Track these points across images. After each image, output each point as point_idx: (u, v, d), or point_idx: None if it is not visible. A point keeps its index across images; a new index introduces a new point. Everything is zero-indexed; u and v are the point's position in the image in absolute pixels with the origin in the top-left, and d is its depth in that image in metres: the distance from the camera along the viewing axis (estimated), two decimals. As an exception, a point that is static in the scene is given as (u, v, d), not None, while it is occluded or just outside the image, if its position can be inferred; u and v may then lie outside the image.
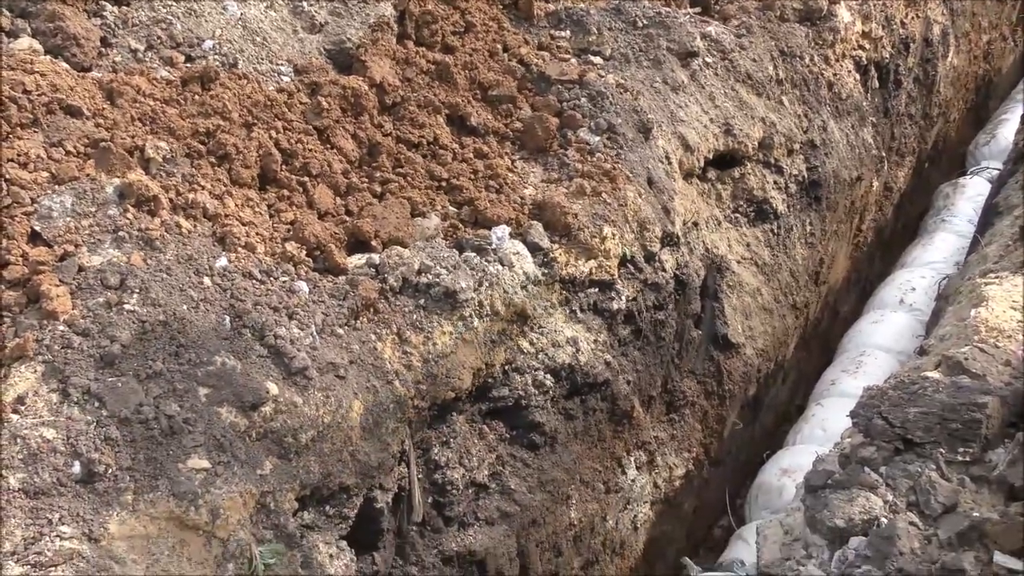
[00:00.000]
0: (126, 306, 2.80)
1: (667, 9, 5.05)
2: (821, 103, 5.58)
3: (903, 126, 6.81)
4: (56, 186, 2.96)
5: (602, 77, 4.53)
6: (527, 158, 4.18)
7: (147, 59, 3.56)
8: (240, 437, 2.73)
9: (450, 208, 3.78)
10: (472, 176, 3.92)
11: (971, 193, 7.38)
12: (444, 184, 3.85)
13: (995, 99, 8.98)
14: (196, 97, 3.49)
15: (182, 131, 3.34)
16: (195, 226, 3.12)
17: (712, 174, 4.97)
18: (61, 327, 2.68)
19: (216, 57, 3.69)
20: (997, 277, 4.03)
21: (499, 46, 4.46)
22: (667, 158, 4.54)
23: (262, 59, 3.83)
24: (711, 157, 4.89)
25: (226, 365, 2.80)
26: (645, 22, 4.88)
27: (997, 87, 9.05)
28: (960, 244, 6.85)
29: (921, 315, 6.19)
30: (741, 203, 5.08)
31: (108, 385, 2.62)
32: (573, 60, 4.61)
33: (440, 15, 4.37)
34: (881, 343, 6.07)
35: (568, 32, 4.73)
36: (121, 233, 2.95)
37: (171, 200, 3.12)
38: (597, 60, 4.67)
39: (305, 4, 4.06)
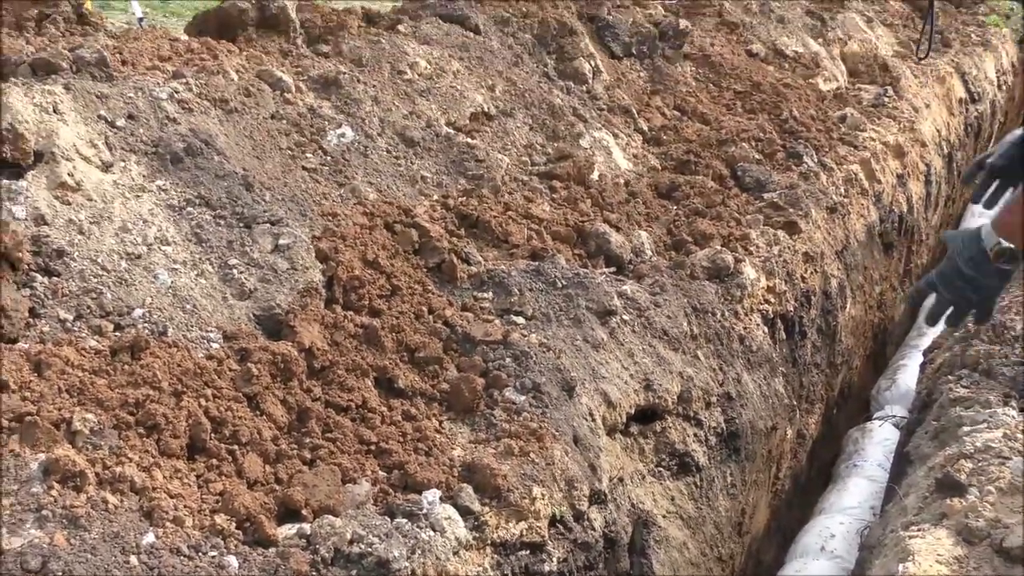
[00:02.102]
0: (47, 591, 2.67)
1: (585, 270, 5.25)
2: (734, 356, 5.77)
3: (811, 375, 7.04)
4: (-22, 464, 2.88)
5: (525, 337, 4.63)
6: (455, 419, 4.19)
7: (76, 329, 3.55)
8: None
9: (380, 472, 3.74)
10: (401, 439, 3.91)
11: (879, 438, 7.59)
12: (373, 448, 3.83)
13: (892, 345, 9.39)
14: (125, 367, 3.47)
15: (111, 402, 3.30)
16: (122, 501, 3.03)
17: (635, 429, 5.03)
18: (-24, 618, 2.54)
19: (146, 325, 3.70)
20: (920, 530, 4.09)
21: (425, 308, 4.56)
22: (591, 415, 4.61)
23: (192, 326, 3.85)
24: (633, 412, 4.97)
25: (152, 652, 2.66)
26: (564, 283, 5.06)
27: (892, 334, 9.48)
28: (873, 489, 6.97)
29: (843, 562, 6.21)
30: (664, 457, 5.14)
31: None
32: (497, 321, 4.72)
33: (367, 279, 4.47)
34: (806, 593, 6.05)
35: (491, 293, 4.87)
36: (44, 512, 2.85)
37: (97, 474, 3.04)
38: (520, 320, 4.79)
39: (235, 272, 4.13)
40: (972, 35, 12.34)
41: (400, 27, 6.56)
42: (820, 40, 9.84)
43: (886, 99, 9.38)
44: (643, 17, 8.31)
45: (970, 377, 5.06)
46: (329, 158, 5.08)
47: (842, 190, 7.71)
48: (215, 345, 3.82)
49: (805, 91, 8.77)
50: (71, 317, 3.58)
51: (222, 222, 4.26)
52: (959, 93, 10.93)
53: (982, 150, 12.11)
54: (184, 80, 4.66)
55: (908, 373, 8.16)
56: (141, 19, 14.71)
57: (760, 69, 8.78)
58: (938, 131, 10.03)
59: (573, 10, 7.76)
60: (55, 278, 3.64)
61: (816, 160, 7.68)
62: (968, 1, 13.75)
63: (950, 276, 3.42)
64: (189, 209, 4.21)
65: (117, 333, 3.62)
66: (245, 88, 4.98)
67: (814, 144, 7.86)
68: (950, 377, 5.13)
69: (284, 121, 5.05)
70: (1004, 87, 12.32)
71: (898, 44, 10.95)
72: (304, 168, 4.93)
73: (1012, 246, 3.27)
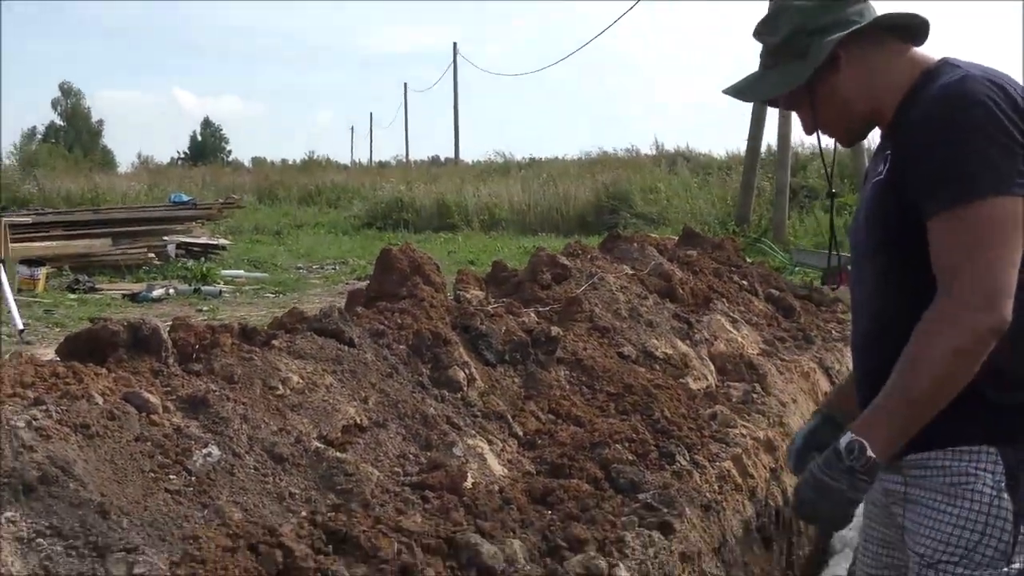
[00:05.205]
0: None
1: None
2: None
3: None
4: None
5: (392, 659, 4.51)
6: None
7: None
8: None
9: None
10: None
11: None
12: None
13: (782, 642, 9.31)
14: None
15: None
16: None
17: None
18: None
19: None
20: None
21: (286, 634, 4.43)
22: None
23: (31, 668, 3.66)
24: None
25: None
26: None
27: (782, 630, 9.41)
28: None
29: None
30: None
31: None
32: (362, 643, 4.60)
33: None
34: None
35: (357, 614, 4.76)
36: None
37: None
38: (387, 641, 4.67)
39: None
40: (832, 331, 13.07)
41: (275, 342, 6.71)
42: (688, 342, 10.32)
43: (754, 395, 9.76)
44: (516, 325, 8.66)
45: None
46: (193, 479, 5.04)
47: (716, 487, 7.85)
48: None
49: (676, 391, 9.08)
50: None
51: (74, 552, 4.14)
52: (824, 386, 11.42)
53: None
54: (44, 407, 4.66)
55: (798, 672, 8.07)
56: (22, 330, 14.81)
57: (632, 371, 9.11)
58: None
59: (447, 321, 8.06)
60: None
61: (689, 459, 7.85)
62: (828, 300, 14.68)
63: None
64: (39, 540, 4.09)
65: None
66: (109, 411, 4.98)
67: (686, 443, 8.06)
68: None
69: (148, 443, 5.03)
70: (867, 379, 12.91)
71: (763, 342, 11.53)
72: (167, 490, 4.87)
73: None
